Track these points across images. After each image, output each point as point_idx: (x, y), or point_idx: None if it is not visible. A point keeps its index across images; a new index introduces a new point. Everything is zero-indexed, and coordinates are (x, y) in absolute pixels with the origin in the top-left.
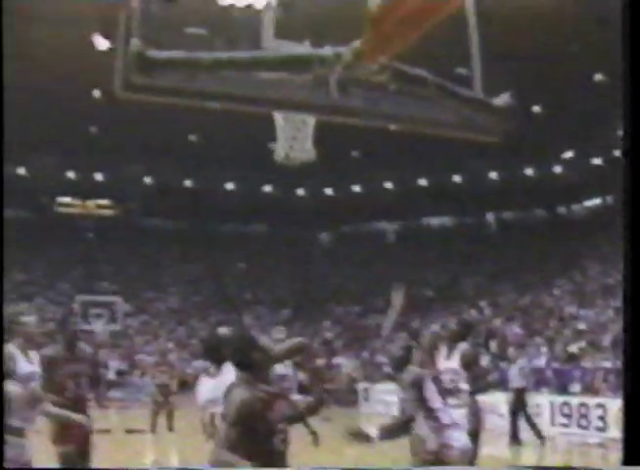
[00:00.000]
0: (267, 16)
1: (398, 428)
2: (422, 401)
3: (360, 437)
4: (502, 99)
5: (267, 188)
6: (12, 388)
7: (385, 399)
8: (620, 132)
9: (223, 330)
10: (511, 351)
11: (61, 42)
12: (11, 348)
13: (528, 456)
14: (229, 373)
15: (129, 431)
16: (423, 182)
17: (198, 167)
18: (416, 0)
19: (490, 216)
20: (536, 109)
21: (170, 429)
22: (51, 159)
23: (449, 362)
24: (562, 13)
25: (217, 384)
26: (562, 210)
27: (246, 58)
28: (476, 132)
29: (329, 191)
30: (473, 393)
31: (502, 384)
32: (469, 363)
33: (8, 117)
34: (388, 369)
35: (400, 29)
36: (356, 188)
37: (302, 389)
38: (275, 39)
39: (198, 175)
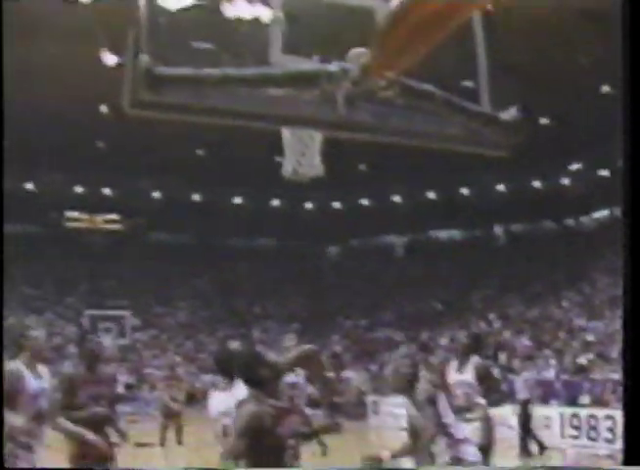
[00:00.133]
0: (274, 31)
1: (413, 449)
2: (435, 418)
3: (375, 461)
4: (510, 113)
5: (275, 202)
6: (13, 419)
7: (394, 412)
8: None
9: (234, 344)
10: (517, 363)
11: (69, 58)
12: (18, 365)
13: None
14: (240, 387)
15: (138, 445)
16: (431, 195)
17: (205, 182)
18: (424, 15)
19: (499, 229)
20: (544, 121)
21: (179, 443)
22: (59, 174)
23: (462, 376)
24: (568, 25)
25: (229, 397)
26: (570, 221)
27: (253, 74)
28: (483, 147)
29: (337, 205)
30: (487, 406)
31: (511, 396)
32: (483, 376)
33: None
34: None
35: (408, 44)
36: (364, 201)
37: (312, 402)
38: (283, 55)
39: (206, 190)
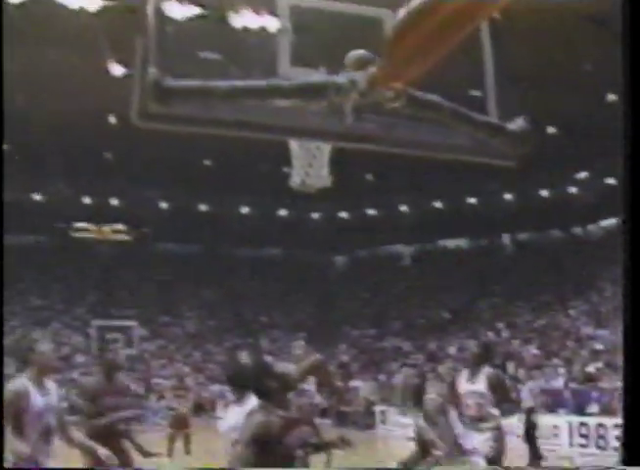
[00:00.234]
0: (282, 42)
1: (420, 459)
2: (444, 428)
3: None
4: (517, 123)
5: (282, 212)
6: (17, 444)
7: (402, 422)
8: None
9: (244, 358)
10: (522, 372)
11: (76, 68)
12: (23, 381)
13: None
14: (252, 400)
15: (146, 455)
16: (438, 205)
17: (213, 192)
18: (432, 26)
19: (506, 238)
20: (551, 130)
21: (187, 452)
22: (67, 185)
23: (473, 385)
24: (574, 34)
25: (241, 411)
26: (577, 230)
27: (261, 86)
28: (490, 157)
29: (344, 214)
30: (500, 416)
31: (520, 405)
32: (496, 386)
33: (24, 144)
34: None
35: (416, 55)
36: (371, 211)
37: (321, 412)
38: (290, 66)
39: (213, 200)
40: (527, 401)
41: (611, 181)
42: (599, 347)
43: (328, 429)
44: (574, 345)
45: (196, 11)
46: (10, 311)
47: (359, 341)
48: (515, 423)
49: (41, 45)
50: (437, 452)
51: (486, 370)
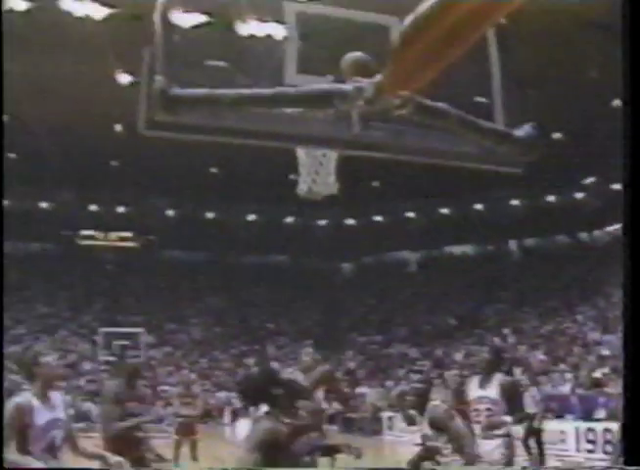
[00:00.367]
0: (289, 50)
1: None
2: (452, 435)
3: None
4: (524, 130)
5: (289, 219)
6: (21, 461)
7: (409, 428)
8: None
9: (255, 369)
10: (524, 378)
11: (83, 76)
12: (27, 396)
13: None
14: (261, 408)
15: (153, 461)
16: (445, 211)
17: (219, 199)
18: (438, 33)
19: (513, 244)
20: (557, 136)
21: (194, 459)
22: (73, 192)
23: (485, 392)
24: (580, 40)
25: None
26: (584, 236)
27: (268, 94)
28: (497, 163)
29: (350, 221)
30: (512, 423)
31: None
32: (510, 394)
33: (31, 152)
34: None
35: (423, 62)
36: (378, 218)
37: (329, 418)
38: (297, 74)
39: (219, 207)
40: (530, 408)
41: (617, 187)
42: (606, 352)
43: (335, 435)
44: (581, 350)
45: (202, 19)
46: (16, 319)
47: (366, 347)
48: (519, 429)
49: (47, 53)
50: (443, 459)
51: (499, 377)
